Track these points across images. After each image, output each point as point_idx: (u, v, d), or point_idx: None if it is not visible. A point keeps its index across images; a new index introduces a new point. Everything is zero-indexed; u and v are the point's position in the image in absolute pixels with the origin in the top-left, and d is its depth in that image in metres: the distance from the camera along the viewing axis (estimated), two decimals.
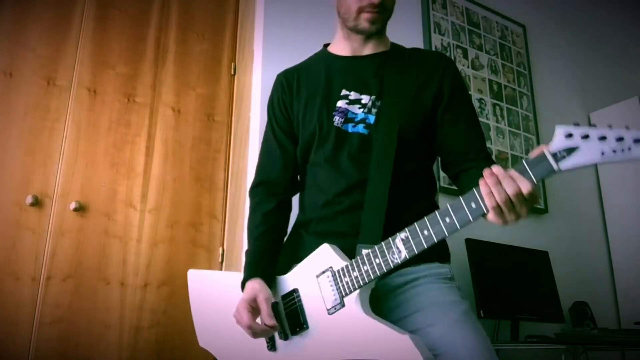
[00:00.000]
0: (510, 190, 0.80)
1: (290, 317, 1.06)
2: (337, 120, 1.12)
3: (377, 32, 1.17)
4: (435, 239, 0.88)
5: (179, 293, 1.82)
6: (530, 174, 0.80)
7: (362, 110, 1.12)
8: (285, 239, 1.22)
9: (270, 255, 1.15)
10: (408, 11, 2.51)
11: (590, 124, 0.77)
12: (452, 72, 1.16)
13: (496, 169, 0.82)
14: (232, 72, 2.15)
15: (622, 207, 2.89)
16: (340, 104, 1.13)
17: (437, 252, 1.10)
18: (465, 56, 2.64)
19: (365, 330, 0.94)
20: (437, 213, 0.89)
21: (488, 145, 2.55)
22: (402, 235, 0.92)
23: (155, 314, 1.77)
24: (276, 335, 1.07)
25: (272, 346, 1.08)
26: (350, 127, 1.11)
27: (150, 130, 1.93)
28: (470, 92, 2.52)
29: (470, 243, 2.12)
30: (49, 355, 1.59)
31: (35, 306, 1.62)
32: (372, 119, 1.11)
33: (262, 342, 1.09)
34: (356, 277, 0.96)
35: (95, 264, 1.73)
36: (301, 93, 1.21)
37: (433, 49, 2.50)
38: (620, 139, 0.71)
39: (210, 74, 2.11)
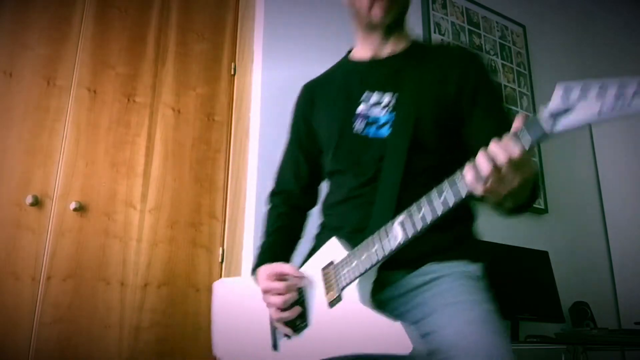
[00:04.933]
0: (499, 160, 0.75)
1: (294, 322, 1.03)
2: (357, 126, 1.09)
3: (392, 24, 1.11)
4: (428, 219, 0.83)
5: (179, 293, 1.82)
6: (521, 139, 0.75)
7: (384, 111, 1.07)
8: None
9: (283, 248, 1.14)
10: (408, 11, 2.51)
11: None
12: (477, 66, 1.09)
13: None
14: (232, 72, 2.15)
15: (622, 207, 2.89)
16: (361, 108, 1.10)
17: (467, 250, 1.03)
18: None
19: (361, 322, 0.89)
20: (431, 192, 0.84)
21: None
22: (400, 218, 0.87)
23: (155, 314, 1.77)
24: (280, 335, 1.05)
25: (275, 345, 1.06)
26: (372, 132, 1.07)
27: (150, 130, 1.93)
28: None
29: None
30: (49, 355, 1.59)
31: (35, 306, 1.62)
32: (393, 116, 1.06)
33: (267, 342, 1.08)
34: (354, 268, 0.93)
35: (95, 264, 1.73)
36: (322, 103, 1.20)
37: None
38: (620, 95, 0.67)
39: (210, 74, 2.11)
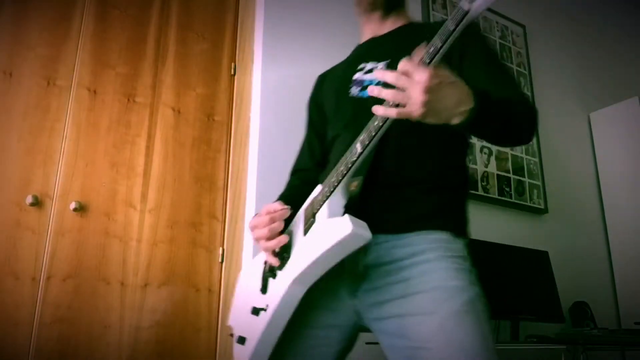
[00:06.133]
0: (388, 79, 0.79)
1: (280, 255, 1.05)
2: (352, 90, 1.14)
3: (389, 2, 1.18)
4: (374, 131, 0.86)
5: (179, 293, 1.82)
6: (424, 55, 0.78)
7: None
8: None
9: (293, 197, 1.16)
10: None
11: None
12: (471, 35, 1.09)
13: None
14: (232, 72, 2.15)
15: (622, 207, 2.89)
16: (357, 76, 1.15)
17: (453, 222, 1.03)
18: None
19: (322, 232, 0.93)
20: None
21: (488, 145, 2.54)
22: (361, 136, 0.90)
23: (155, 314, 1.77)
24: (268, 277, 1.08)
25: (264, 288, 1.08)
26: (365, 94, 1.10)
27: (150, 130, 1.93)
28: None
29: (470, 243, 2.12)
30: (49, 355, 1.59)
31: (35, 306, 1.62)
32: None
33: (258, 287, 1.10)
34: (325, 192, 0.96)
35: (95, 264, 1.73)
36: (328, 83, 1.29)
37: None
38: None
39: (210, 74, 2.11)
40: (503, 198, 2.51)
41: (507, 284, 2.17)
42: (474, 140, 2.49)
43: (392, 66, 1.07)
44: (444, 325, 0.88)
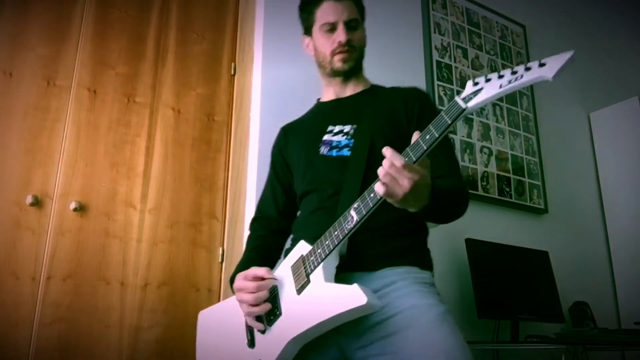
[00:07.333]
0: (385, 166, 0.92)
1: (268, 311, 1.10)
2: (322, 150, 1.25)
3: (350, 70, 1.31)
4: (372, 203, 0.97)
5: (179, 293, 1.82)
6: (410, 152, 0.93)
7: (345, 137, 1.25)
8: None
9: (262, 257, 1.25)
10: (408, 11, 2.51)
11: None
12: (421, 97, 1.29)
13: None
14: (232, 72, 2.15)
15: (622, 207, 2.89)
16: (326, 137, 1.27)
17: (418, 258, 1.17)
18: (465, 56, 2.64)
19: (326, 295, 1.00)
20: (368, 188, 0.99)
21: (488, 145, 2.55)
22: (355, 204, 1.00)
23: (155, 314, 1.77)
24: (256, 332, 1.11)
25: (251, 343, 1.11)
26: (335, 153, 1.23)
27: (150, 130, 1.94)
28: None
29: (470, 243, 2.12)
30: (49, 355, 1.59)
31: (35, 306, 1.62)
32: (352, 141, 1.23)
33: (243, 341, 1.13)
34: (319, 253, 1.03)
35: (95, 264, 1.73)
36: (294, 138, 1.38)
37: (433, 49, 2.50)
38: (514, 72, 0.86)
39: (210, 74, 2.11)
40: (503, 198, 2.51)
41: (507, 284, 2.17)
42: (473, 140, 2.49)
43: (358, 131, 1.23)
44: (422, 336, 0.99)
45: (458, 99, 0.90)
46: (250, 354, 1.09)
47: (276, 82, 2.03)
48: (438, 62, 2.49)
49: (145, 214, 1.84)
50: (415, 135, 0.94)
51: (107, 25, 1.97)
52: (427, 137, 0.91)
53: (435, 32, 2.54)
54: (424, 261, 1.18)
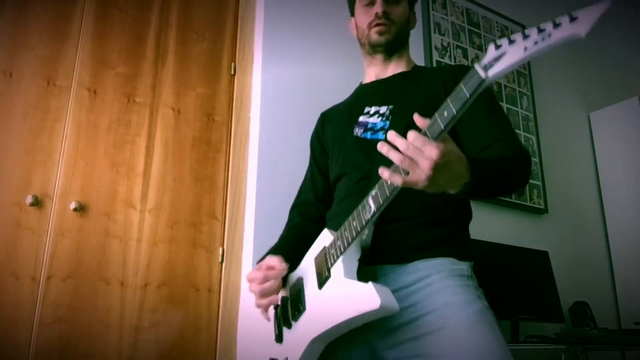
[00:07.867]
0: (402, 148, 0.80)
1: (293, 304, 1.07)
2: (356, 131, 1.21)
3: (388, 44, 1.24)
4: (388, 192, 0.86)
5: (179, 293, 1.82)
6: (428, 130, 0.80)
7: (380, 119, 1.19)
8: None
9: (289, 250, 1.18)
10: None
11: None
12: (464, 72, 1.14)
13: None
14: (232, 72, 2.15)
15: (622, 207, 2.89)
16: (362, 118, 1.22)
17: (455, 248, 1.07)
18: (465, 56, 2.64)
19: (342, 295, 0.94)
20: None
21: None
22: (373, 192, 0.90)
23: (155, 314, 1.77)
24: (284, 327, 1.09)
25: (279, 338, 1.09)
26: (369, 135, 1.18)
27: (150, 130, 1.93)
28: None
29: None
30: (49, 355, 1.59)
31: (35, 306, 1.62)
32: (388, 123, 1.16)
33: (271, 336, 1.11)
34: (339, 246, 0.98)
35: (95, 264, 1.73)
36: (332, 122, 1.35)
37: (433, 49, 2.50)
38: (541, 30, 0.72)
39: (210, 74, 2.11)
40: (503, 198, 2.51)
41: (507, 283, 2.17)
42: None
43: (394, 112, 1.16)
44: (456, 337, 0.92)
45: (478, 67, 0.76)
46: (278, 351, 1.07)
47: (276, 82, 2.03)
48: (438, 62, 2.49)
49: (145, 214, 1.84)
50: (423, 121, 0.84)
51: (107, 25, 1.96)
52: (445, 113, 0.78)
53: (435, 32, 2.54)
54: (462, 251, 1.08)
